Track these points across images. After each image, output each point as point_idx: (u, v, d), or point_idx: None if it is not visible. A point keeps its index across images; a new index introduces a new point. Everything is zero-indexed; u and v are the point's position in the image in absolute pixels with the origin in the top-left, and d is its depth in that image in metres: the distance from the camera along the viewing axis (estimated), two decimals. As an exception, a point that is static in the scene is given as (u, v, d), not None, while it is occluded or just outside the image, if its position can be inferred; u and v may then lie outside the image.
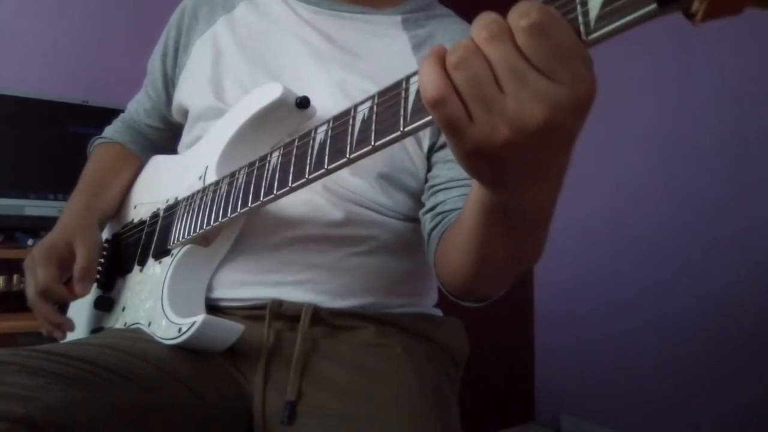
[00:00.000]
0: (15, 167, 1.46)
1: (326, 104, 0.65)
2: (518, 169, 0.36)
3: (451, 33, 0.74)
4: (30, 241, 1.46)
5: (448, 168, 0.68)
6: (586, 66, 0.32)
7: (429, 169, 0.71)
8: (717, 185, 1.82)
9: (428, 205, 0.68)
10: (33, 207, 1.44)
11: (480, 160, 0.36)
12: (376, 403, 0.60)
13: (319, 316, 0.66)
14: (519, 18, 0.32)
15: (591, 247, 2.20)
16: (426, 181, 0.71)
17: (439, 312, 0.79)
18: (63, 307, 0.89)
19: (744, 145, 1.76)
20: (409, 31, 0.74)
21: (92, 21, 1.77)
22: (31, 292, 0.71)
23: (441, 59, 0.34)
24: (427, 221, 0.66)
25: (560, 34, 0.31)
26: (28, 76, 1.64)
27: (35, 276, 0.70)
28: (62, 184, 1.47)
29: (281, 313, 0.65)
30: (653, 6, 0.29)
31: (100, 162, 0.88)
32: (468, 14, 0.82)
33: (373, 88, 0.68)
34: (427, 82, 0.34)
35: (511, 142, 0.33)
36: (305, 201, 0.66)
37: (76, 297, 0.71)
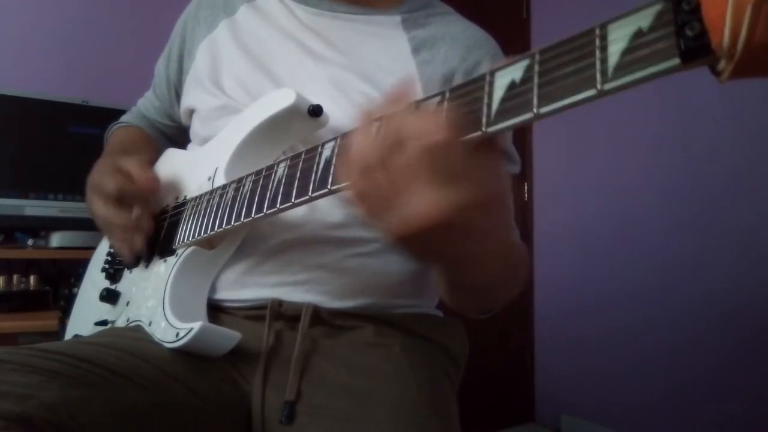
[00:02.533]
0: (15, 167, 1.46)
1: (325, 105, 0.65)
2: (435, 254, 0.43)
3: (451, 34, 0.74)
4: (30, 241, 1.46)
5: None
6: (478, 179, 0.37)
7: None
8: (717, 184, 1.82)
9: None
10: (33, 207, 1.44)
11: (399, 243, 0.41)
12: (375, 403, 0.60)
13: (319, 316, 0.66)
14: (414, 137, 0.36)
15: (591, 248, 2.20)
16: None
17: (439, 312, 0.79)
18: (69, 299, 0.89)
19: (744, 144, 1.76)
20: (409, 32, 0.74)
21: (92, 21, 1.78)
22: (102, 206, 0.68)
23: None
24: None
25: (449, 158, 0.36)
26: (28, 76, 1.64)
27: (104, 189, 0.68)
28: (62, 184, 1.48)
29: (281, 313, 0.66)
30: (676, 61, 0.28)
31: (123, 137, 0.90)
32: (469, 11, 0.82)
33: (372, 90, 0.69)
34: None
35: (411, 235, 0.38)
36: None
37: (152, 189, 0.69)
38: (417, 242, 0.40)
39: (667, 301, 1.94)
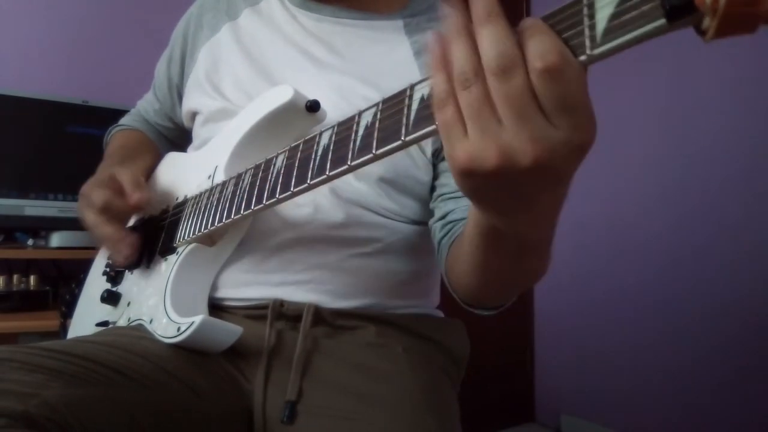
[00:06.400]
0: (15, 167, 1.46)
1: (327, 110, 0.65)
2: (507, 196, 0.37)
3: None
4: (30, 241, 1.46)
5: None
6: (588, 116, 0.32)
7: (436, 176, 0.71)
8: (715, 183, 1.82)
9: (438, 214, 0.68)
10: (33, 207, 1.44)
11: (471, 180, 0.35)
12: (376, 402, 0.61)
13: (320, 315, 0.66)
14: (536, 57, 0.31)
15: (591, 248, 2.20)
16: (434, 188, 0.71)
17: (440, 313, 0.79)
18: (71, 301, 0.89)
19: (744, 142, 1.76)
20: (411, 36, 0.74)
21: (93, 21, 1.77)
22: (95, 219, 0.69)
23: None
24: (437, 230, 0.66)
25: (572, 83, 0.31)
26: (28, 76, 1.64)
27: (91, 202, 0.69)
28: (62, 184, 1.48)
29: (283, 312, 0.66)
30: (662, 21, 0.28)
31: (125, 141, 0.90)
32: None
33: (374, 95, 0.69)
34: (434, 85, 0.35)
35: (500, 170, 0.33)
36: (309, 202, 0.66)
37: (137, 208, 0.70)
38: (496, 182, 0.34)
39: (668, 301, 1.94)
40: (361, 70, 0.71)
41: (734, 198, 1.77)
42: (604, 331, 2.15)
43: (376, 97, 0.69)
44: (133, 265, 0.75)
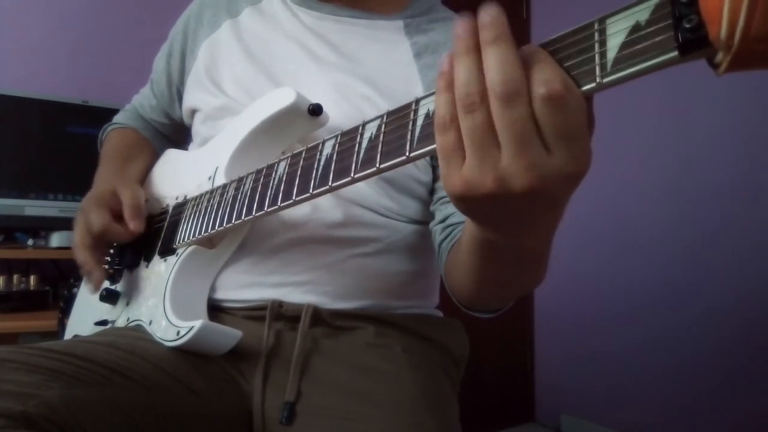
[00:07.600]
0: (15, 167, 1.46)
1: (327, 108, 0.65)
2: (501, 217, 0.38)
3: (453, 38, 0.74)
4: (30, 241, 1.46)
5: None
6: (584, 147, 0.33)
7: (436, 178, 0.71)
8: (714, 183, 1.82)
9: (438, 217, 0.68)
10: (33, 207, 1.44)
11: (465, 203, 0.36)
12: (375, 403, 0.60)
13: (319, 316, 0.66)
14: (540, 84, 0.31)
15: (591, 248, 2.20)
16: (434, 190, 0.71)
17: (439, 313, 0.79)
18: (69, 300, 0.89)
19: (744, 142, 1.76)
20: (411, 37, 0.74)
21: (92, 21, 1.77)
22: (83, 240, 0.69)
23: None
24: (437, 233, 0.67)
25: (573, 112, 0.31)
26: (28, 76, 1.64)
27: (89, 222, 0.68)
28: (62, 184, 1.48)
29: (282, 313, 0.66)
30: (674, 54, 0.28)
31: (120, 141, 0.90)
32: (469, 11, 0.82)
33: (374, 94, 0.70)
34: (438, 105, 0.35)
35: (496, 195, 0.34)
36: (309, 202, 0.66)
37: (132, 235, 0.70)
38: (490, 205, 0.35)
39: (668, 301, 1.94)
40: (361, 69, 0.71)
41: (734, 198, 1.77)
42: (604, 331, 2.15)
43: (376, 96, 0.69)
44: (132, 264, 0.75)
